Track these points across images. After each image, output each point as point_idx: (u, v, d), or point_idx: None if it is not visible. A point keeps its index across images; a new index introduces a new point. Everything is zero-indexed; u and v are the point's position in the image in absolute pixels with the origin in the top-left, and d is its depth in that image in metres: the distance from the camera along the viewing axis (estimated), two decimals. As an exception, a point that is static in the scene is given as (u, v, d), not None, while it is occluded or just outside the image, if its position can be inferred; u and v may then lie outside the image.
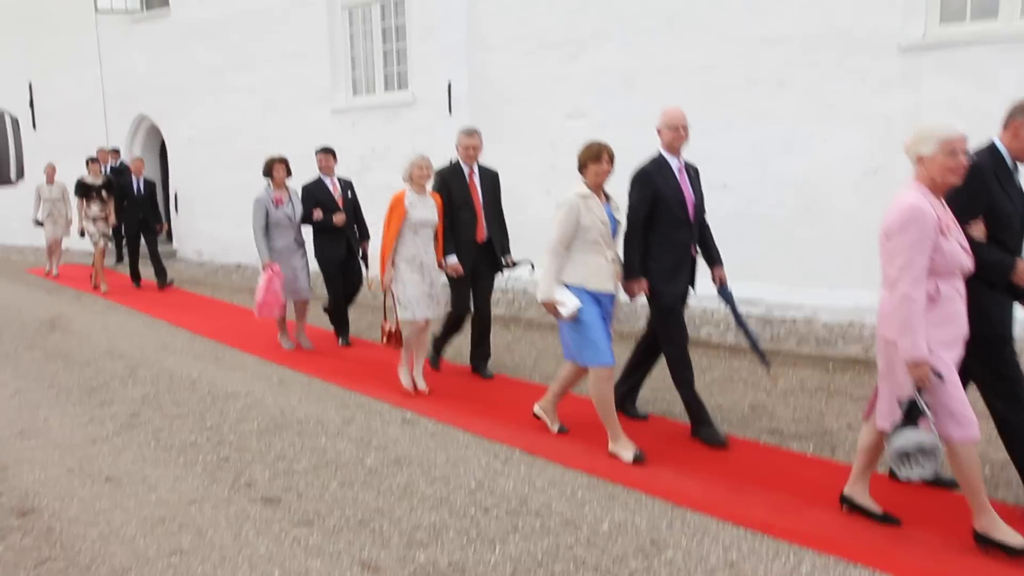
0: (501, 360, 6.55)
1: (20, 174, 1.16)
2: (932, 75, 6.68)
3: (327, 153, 7.20)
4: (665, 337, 4.71)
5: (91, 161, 10.76)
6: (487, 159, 6.65)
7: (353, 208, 7.30)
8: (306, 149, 12.13)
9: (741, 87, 7.65)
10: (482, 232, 5.90)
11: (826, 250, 7.31)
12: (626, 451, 4.29)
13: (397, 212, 5.44)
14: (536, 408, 4.88)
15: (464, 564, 3.23)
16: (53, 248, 12.16)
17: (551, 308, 4.32)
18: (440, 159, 9.92)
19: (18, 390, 5.99)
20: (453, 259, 5.73)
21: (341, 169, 12.19)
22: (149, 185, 10.82)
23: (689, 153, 7.93)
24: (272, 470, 4.28)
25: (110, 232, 10.81)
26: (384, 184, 10.64)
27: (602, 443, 4.49)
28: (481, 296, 6.00)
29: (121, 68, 14.29)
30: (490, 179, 6.09)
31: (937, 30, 6.75)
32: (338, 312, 7.38)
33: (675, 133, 4.62)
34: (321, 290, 7.57)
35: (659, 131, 4.68)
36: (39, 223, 11.92)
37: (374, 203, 10.93)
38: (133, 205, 10.60)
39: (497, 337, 7.44)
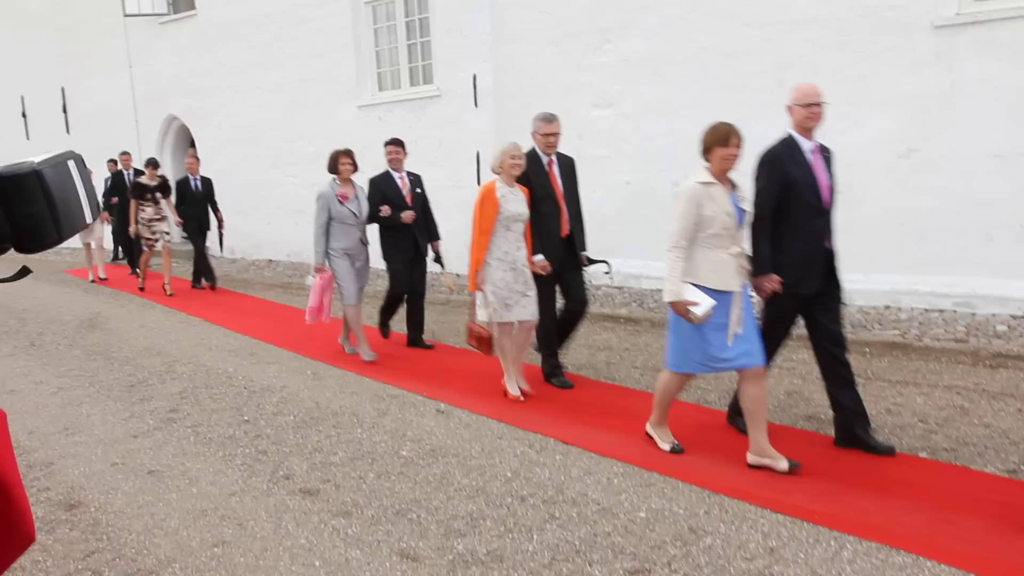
0: (532, 350, 6.55)
1: (96, 212, 1.14)
2: (967, 53, 6.55)
3: (396, 145, 6.67)
4: (770, 327, 4.23)
5: (148, 167, 10.36)
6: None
7: (422, 205, 6.78)
8: (332, 145, 12.26)
9: (770, 72, 7.55)
10: (565, 225, 5.43)
11: (860, 234, 7.18)
12: (664, 441, 4.25)
13: (489, 206, 4.97)
14: (648, 427, 4.43)
15: (502, 553, 3.25)
16: (95, 251, 11.86)
17: (680, 309, 3.88)
18: (468, 151, 10.00)
19: (60, 388, 6.12)
20: (541, 257, 5.25)
21: (365, 164, 12.30)
22: (207, 183, 10.49)
23: (718, 139, 7.90)
24: (309, 462, 4.33)
25: (170, 233, 10.44)
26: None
27: (637, 431, 4.48)
28: (576, 290, 5.55)
29: (150, 70, 14.51)
30: (568, 168, 5.61)
31: (972, 7, 6.60)
32: (391, 308, 7.02)
33: (809, 111, 4.17)
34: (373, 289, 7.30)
35: (790, 109, 4.25)
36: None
37: (402, 197, 11.04)
38: (191, 205, 10.32)
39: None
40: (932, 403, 4.85)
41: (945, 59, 6.64)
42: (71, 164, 1.16)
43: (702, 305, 3.82)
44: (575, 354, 6.42)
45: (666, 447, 4.21)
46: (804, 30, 7.31)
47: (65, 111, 16.32)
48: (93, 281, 11.78)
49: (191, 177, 10.34)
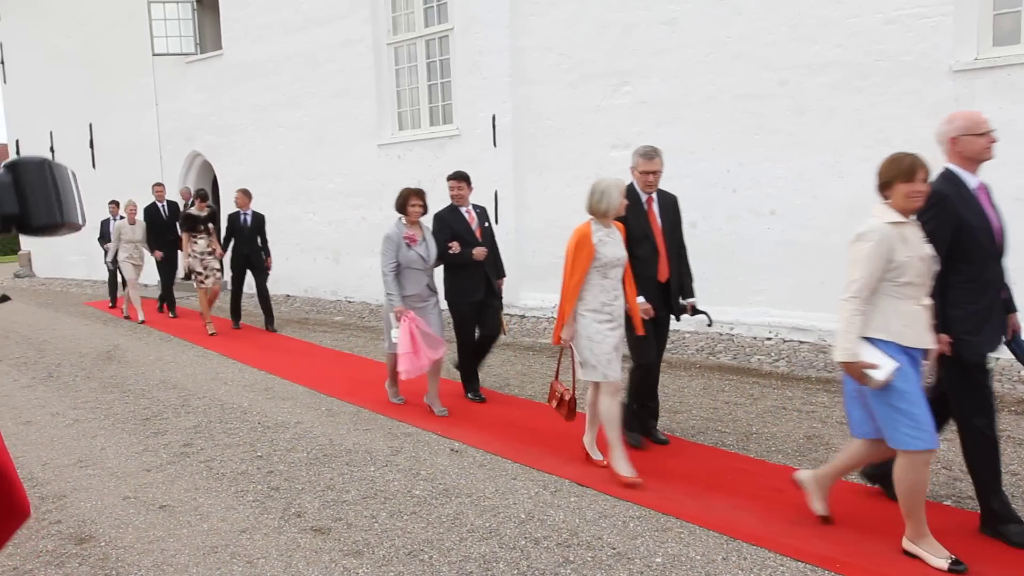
0: (548, 389, 6.51)
1: (84, 221, 1.37)
2: (986, 97, 6.55)
3: (460, 180, 6.20)
4: (966, 406, 3.54)
5: (198, 198, 10.09)
6: (531, 190, 6.68)
7: (491, 241, 6.27)
8: (352, 183, 12.38)
9: (787, 115, 7.59)
10: (664, 270, 4.88)
11: (879, 277, 7.14)
12: (938, 557, 3.27)
13: (584, 251, 4.37)
14: (798, 476, 3.94)
15: (515, 596, 3.18)
16: (132, 289, 11.38)
17: (856, 373, 3.28)
18: (486, 190, 10.07)
19: (76, 419, 6.14)
20: (643, 300, 4.67)
21: (384, 202, 12.43)
22: (257, 218, 10.07)
23: (735, 180, 7.93)
24: (322, 500, 4.29)
25: (220, 267, 10.01)
26: (430, 217, 10.80)
27: (653, 474, 4.41)
28: (660, 343, 5.00)
29: (176, 108, 14.81)
30: (670, 206, 5.03)
31: (991, 52, 6.62)
32: (469, 361, 6.35)
33: (986, 140, 3.64)
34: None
35: (953, 140, 3.66)
36: (117, 265, 11.34)
37: (419, 235, 11.11)
38: (240, 240, 9.94)
39: (544, 367, 7.42)
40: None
41: (964, 103, 6.64)
42: (69, 172, 1.36)
43: (883, 368, 3.22)
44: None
45: (943, 564, 3.24)
46: (821, 74, 7.35)
47: (92, 146, 16.66)
48: (143, 322, 11.05)
49: (241, 212, 9.97)
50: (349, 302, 12.10)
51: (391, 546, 3.68)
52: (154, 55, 14.38)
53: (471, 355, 6.31)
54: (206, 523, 4.03)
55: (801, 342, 7.55)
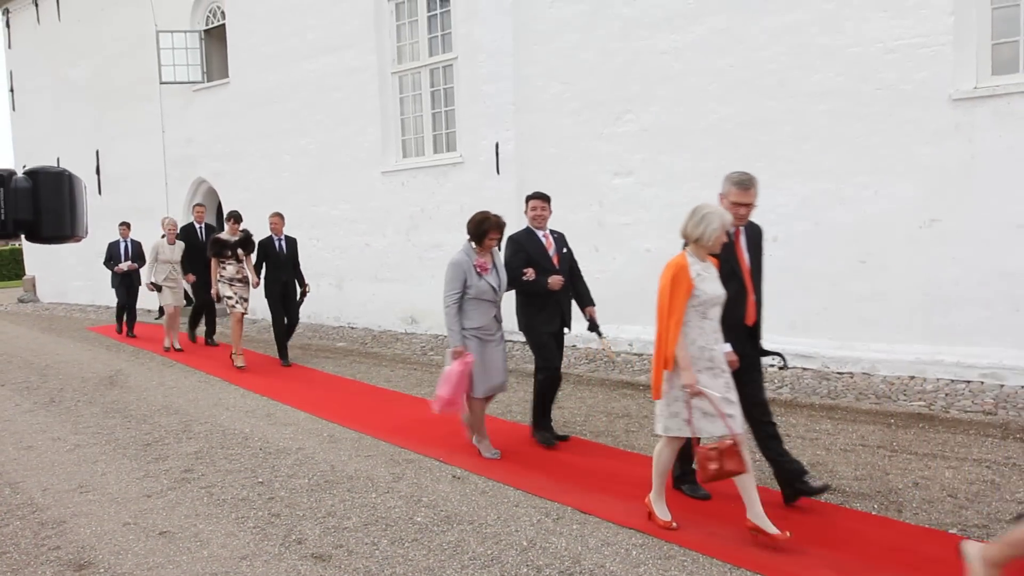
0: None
1: (86, 232, 1.41)
2: (986, 125, 6.59)
3: (542, 200, 5.73)
4: None
5: (231, 218, 9.35)
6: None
7: (570, 267, 5.77)
8: (356, 209, 12.42)
9: (789, 142, 7.64)
10: (752, 312, 4.31)
11: (883, 303, 7.15)
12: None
13: (683, 286, 3.89)
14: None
15: (517, 625, 3.14)
16: (173, 319, 10.63)
17: None
18: (488, 217, 10.10)
19: (77, 445, 6.12)
20: (729, 347, 4.11)
21: (388, 229, 12.42)
22: (291, 243, 9.39)
23: (737, 207, 7.94)
24: (323, 527, 4.26)
25: (249, 296, 9.34)
26: (433, 243, 10.87)
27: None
28: (754, 393, 4.28)
29: (182, 135, 14.94)
30: (756, 241, 4.49)
31: (990, 81, 6.68)
32: (545, 397, 5.72)
33: None
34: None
35: None
36: (156, 287, 10.49)
37: (422, 261, 11.15)
38: (275, 268, 9.18)
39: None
40: (961, 477, 4.71)
41: (964, 131, 6.69)
42: (83, 185, 1.40)
43: None
44: (593, 421, 6.35)
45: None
46: (823, 102, 7.41)
47: (98, 173, 16.77)
48: (168, 348, 10.51)
49: (275, 238, 9.22)
50: (352, 328, 12.10)
51: (392, 573, 3.65)
52: (162, 83, 14.54)
53: (549, 389, 5.68)
54: (206, 549, 4.01)
55: (804, 368, 7.53)
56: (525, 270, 5.50)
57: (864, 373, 7.17)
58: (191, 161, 14.84)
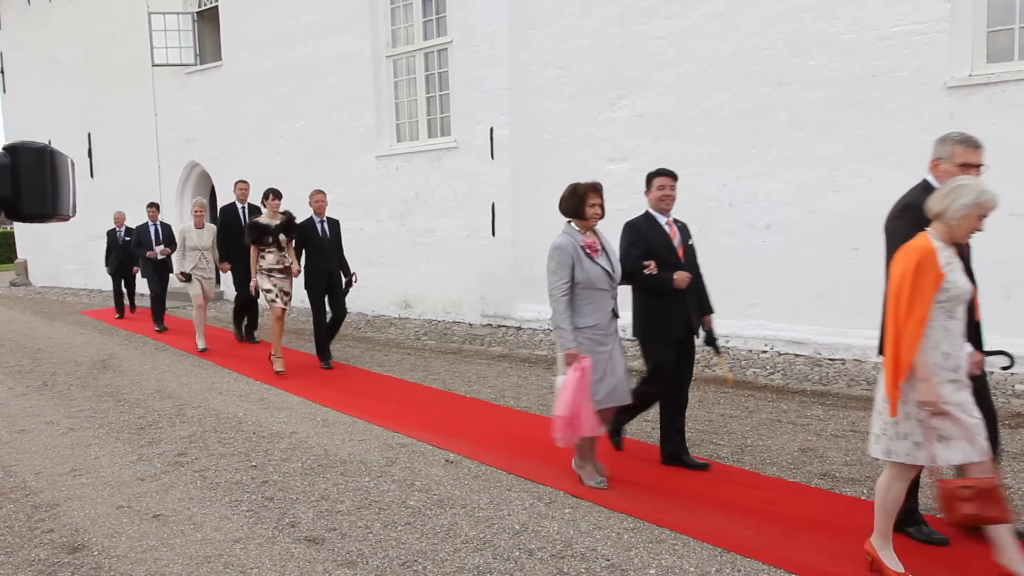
0: (544, 401, 6.51)
1: (74, 212, 1.38)
2: (980, 113, 6.60)
3: (669, 177, 4.75)
4: None
5: (270, 194, 7.90)
6: (529, 202, 6.65)
7: (694, 263, 4.82)
8: (351, 194, 12.36)
9: (784, 129, 7.64)
10: (976, 308, 3.59)
11: (875, 290, 7.13)
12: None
13: (929, 277, 3.10)
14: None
15: (509, 608, 3.17)
16: (200, 312, 9.44)
17: None
18: (483, 202, 10.10)
19: (70, 428, 6.12)
20: (970, 349, 3.35)
21: (382, 213, 12.31)
22: (334, 226, 8.21)
23: (732, 194, 7.96)
24: (316, 510, 4.28)
25: (291, 289, 8.07)
26: (427, 228, 10.86)
27: (647, 485, 4.41)
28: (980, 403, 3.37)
29: (175, 118, 14.85)
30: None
31: (985, 68, 6.68)
32: (672, 419, 4.83)
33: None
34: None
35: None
36: (186, 277, 9.32)
37: (415, 246, 11.14)
38: (318, 254, 8.02)
39: (539, 378, 7.42)
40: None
41: (959, 119, 6.69)
42: (69, 162, 1.35)
43: None
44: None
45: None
46: (818, 89, 7.40)
47: (90, 156, 16.67)
48: (203, 350, 9.21)
49: (316, 218, 8.01)
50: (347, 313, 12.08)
51: (385, 557, 3.67)
52: (154, 66, 14.44)
53: (676, 411, 4.81)
54: (200, 533, 4.02)
55: (796, 355, 7.57)
56: (646, 263, 4.57)
57: (856, 360, 7.21)
58: (184, 144, 14.77)
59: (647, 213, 4.79)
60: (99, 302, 15.18)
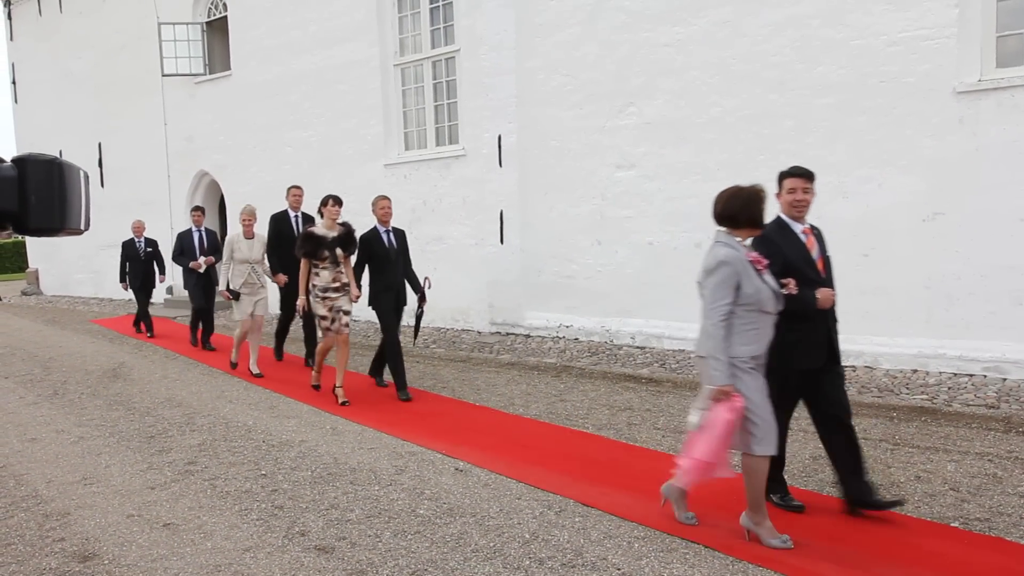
0: (553, 409, 6.50)
1: (87, 226, 1.34)
2: (990, 118, 6.57)
3: (803, 178, 4.12)
4: None
5: (330, 200, 6.90)
6: (537, 210, 6.65)
7: (831, 277, 4.14)
8: (359, 203, 12.45)
9: (792, 135, 7.63)
10: None
11: (885, 297, 7.15)
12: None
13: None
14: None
15: (519, 617, 3.15)
16: (251, 332, 8.31)
17: None
18: (491, 210, 10.10)
19: (81, 437, 6.14)
20: None
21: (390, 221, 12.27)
22: (400, 236, 7.24)
23: (740, 201, 7.93)
24: (326, 519, 4.28)
25: (351, 310, 7.03)
26: (435, 236, 10.87)
27: (658, 494, 4.40)
28: None
29: (184, 127, 14.93)
30: None
31: (994, 73, 6.66)
32: (840, 452, 4.15)
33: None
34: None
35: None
36: (235, 294, 8.20)
37: (424, 254, 11.16)
38: (384, 268, 7.03)
39: (548, 386, 7.41)
40: (963, 471, 4.72)
41: (968, 124, 6.67)
42: (81, 174, 1.31)
43: None
44: (596, 415, 6.35)
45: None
46: (826, 95, 7.39)
47: (101, 165, 16.78)
48: (258, 376, 8.18)
49: (381, 228, 7.07)
50: (354, 321, 12.08)
51: (395, 566, 3.66)
52: (164, 76, 14.53)
53: (843, 450, 4.13)
54: (210, 542, 4.02)
55: (807, 362, 7.53)
56: (784, 281, 3.87)
57: (866, 366, 7.18)
58: (193, 154, 14.85)
59: (778, 220, 4.11)
60: (109, 311, 15.25)
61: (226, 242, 8.35)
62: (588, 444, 5.53)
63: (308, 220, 8.63)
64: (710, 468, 3.69)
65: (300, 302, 7.04)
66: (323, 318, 6.90)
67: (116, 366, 9.23)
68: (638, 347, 8.76)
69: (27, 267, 20.92)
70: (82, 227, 1.33)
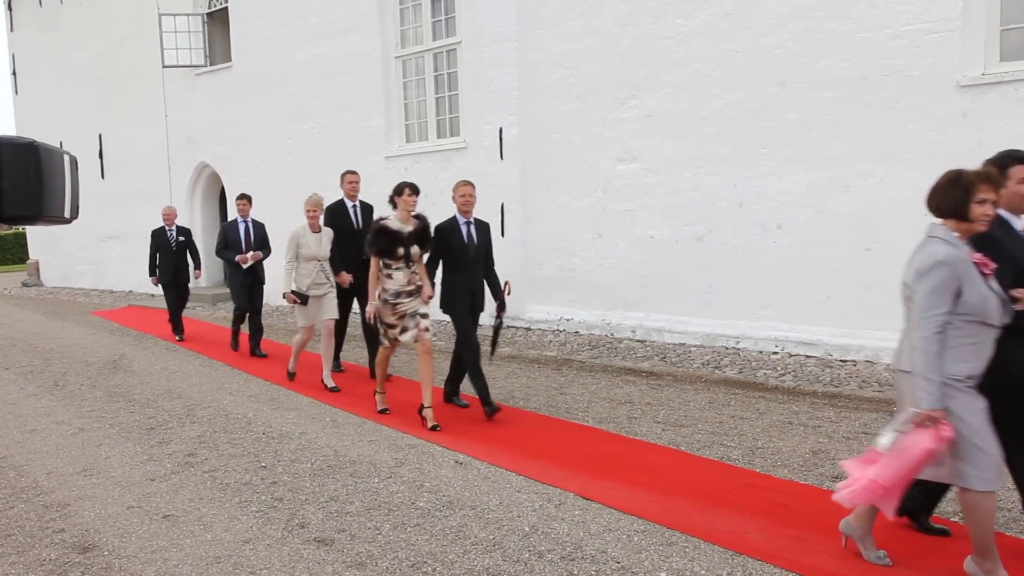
0: (553, 402, 6.50)
1: (75, 214, 1.24)
2: (994, 112, 6.55)
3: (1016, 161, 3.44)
4: None
5: (405, 188, 5.90)
6: (538, 203, 6.64)
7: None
8: (361, 195, 12.44)
9: (794, 129, 7.60)
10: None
11: (887, 291, 7.12)
12: None
13: None
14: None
15: (518, 610, 3.15)
16: (323, 338, 7.26)
17: None
18: (492, 203, 10.08)
19: (81, 428, 6.14)
20: None
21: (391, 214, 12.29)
22: (483, 229, 6.24)
23: (742, 194, 7.93)
24: (325, 511, 4.28)
25: (428, 315, 5.91)
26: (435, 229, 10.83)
27: (658, 487, 4.40)
28: None
29: (185, 119, 14.90)
30: None
31: (998, 67, 6.62)
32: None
33: None
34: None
35: None
36: (303, 297, 7.10)
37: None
38: (462, 265, 6.05)
39: (549, 379, 7.41)
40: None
41: (972, 118, 6.64)
42: (66, 159, 1.22)
43: None
44: (596, 408, 6.35)
45: None
46: (829, 88, 7.36)
47: (101, 157, 16.75)
48: (334, 390, 7.07)
49: (461, 219, 6.09)
50: (355, 313, 12.08)
51: (394, 558, 3.66)
52: (164, 67, 14.49)
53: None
54: (209, 533, 4.02)
55: (807, 356, 7.52)
56: (1017, 291, 3.22)
57: (867, 361, 7.17)
58: (194, 145, 14.83)
59: (998, 217, 3.31)
60: (110, 303, 15.25)
61: (289, 238, 7.22)
62: (588, 437, 5.53)
63: (367, 210, 7.79)
64: (885, 494, 3.20)
65: (371, 309, 5.91)
66: (390, 327, 5.86)
67: (116, 358, 9.24)
68: (639, 341, 8.75)
69: (28, 258, 20.92)
70: (66, 215, 1.24)
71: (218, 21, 14.51)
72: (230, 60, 13.89)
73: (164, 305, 12.09)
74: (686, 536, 3.81)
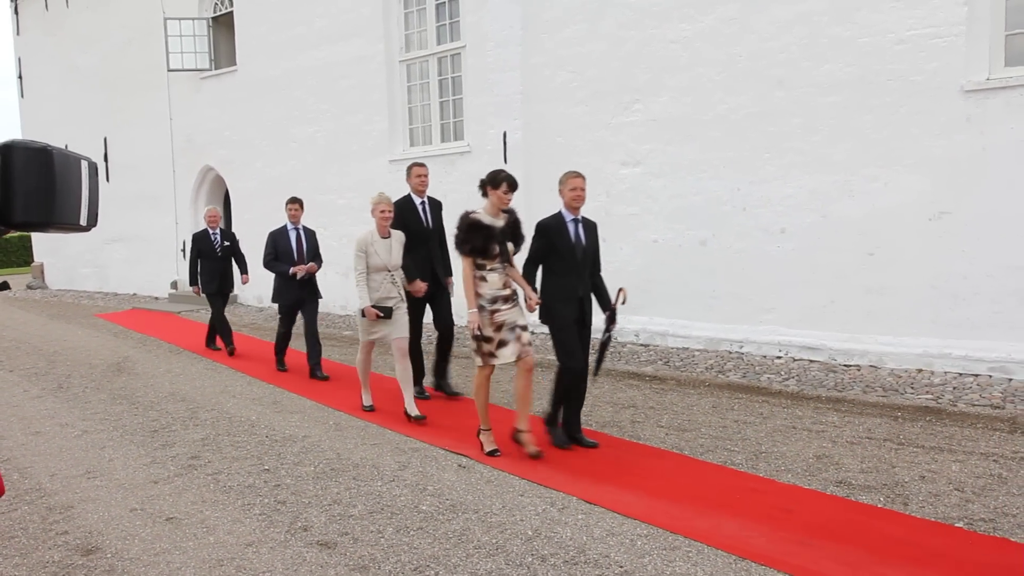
0: (546, 406, 6.48)
1: (93, 222, 1.17)
2: (998, 117, 6.54)
3: None
4: None
5: (503, 183, 5.21)
6: (542, 207, 6.61)
7: None
8: (363, 199, 12.46)
9: (798, 133, 7.60)
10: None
11: (891, 296, 7.12)
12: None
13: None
14: None
15: (521, 614, 3.15)
16: (396, 360, 6.30)
17: None
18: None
19: (85, 431, 6.15)
20: None
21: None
22: (590, 229, 5.47)
23: (746, 199, 7.92)
24: (328, 514, 4.28)
25: (527, 326, 5.17)
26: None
27: (662, 491, 4.38)
28: None
29: (189, 122, 14.95)
30: None
31: (1003, 72, 6.62)
32: None
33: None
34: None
35: None
36: (386, 311, 6.19)
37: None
38: (568, 268, 5.29)
39: (550, 383, 7.39)
40: (968, 471, 4.69)
41: (976, 123, 6.64)
42: (84, 165, 1.17)
43: None
44: (599, 412, 6.34)
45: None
46: (832, 93, 7.36)
47: (106, 160, 16.81)
48: (420, 419, 6.04)
49: (568, 215, 5.36)
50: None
51: (397, 561, 3.66)
52: (169, 71, 14.54)
53: None
54: (212, 536, 4.03)
55: (811, 361, 7.51)
56: None
57: (871, 366, 7.15)
58: (199, 149, 14.87)
59: None
60: (114, 305, 15.29)
61: (356, 246, 6.19)
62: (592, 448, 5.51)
63: (437, 207, 6.92)
64: None
65: (473, 319, 5.02)
66: (487, 340, 5.04)
67: (120, 360, 9.25)
68: (642, 345, 8.74)
69: (32, 261, 20.97)
70: (83, 223, 1.18)
71: (223, 25, 14.56)
72: (235, 64, 13.94)
73: (167, 309, 12.10)
74: (689, 540, 3.80)
